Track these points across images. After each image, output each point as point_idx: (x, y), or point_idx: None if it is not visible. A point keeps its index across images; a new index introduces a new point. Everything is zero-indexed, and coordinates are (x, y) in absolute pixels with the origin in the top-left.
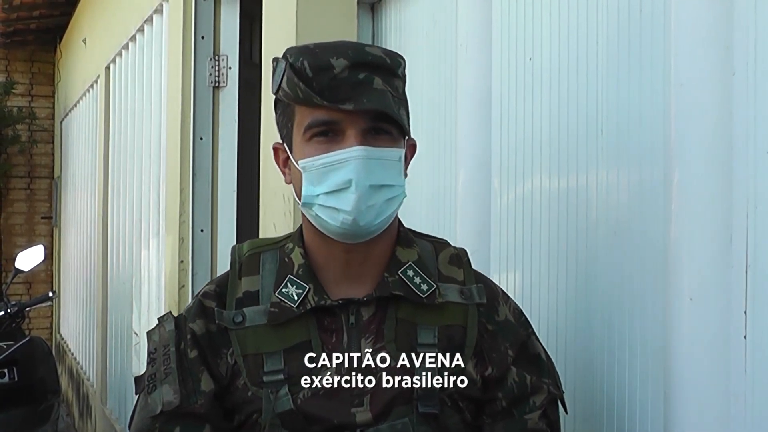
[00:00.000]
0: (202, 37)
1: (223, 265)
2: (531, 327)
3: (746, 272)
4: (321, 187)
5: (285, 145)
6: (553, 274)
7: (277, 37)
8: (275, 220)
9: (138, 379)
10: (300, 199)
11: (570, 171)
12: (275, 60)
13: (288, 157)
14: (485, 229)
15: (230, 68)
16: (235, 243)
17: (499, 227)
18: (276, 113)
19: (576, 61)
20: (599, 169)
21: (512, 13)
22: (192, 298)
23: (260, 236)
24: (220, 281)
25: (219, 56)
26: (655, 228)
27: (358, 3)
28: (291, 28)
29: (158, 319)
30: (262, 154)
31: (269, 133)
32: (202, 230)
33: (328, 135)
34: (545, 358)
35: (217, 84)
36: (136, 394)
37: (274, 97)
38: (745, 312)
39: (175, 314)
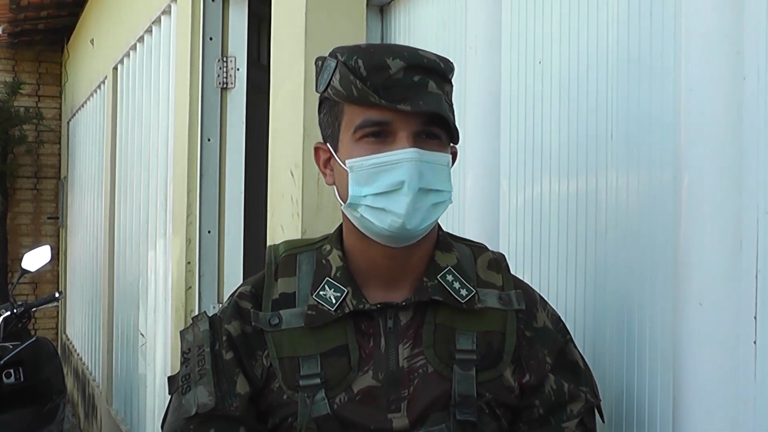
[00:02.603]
0: (210, 38)
1: (231, 267)
2: (569, 333)
3: (756, 277)
4: (370, 188)
5: (329, 144)
6: (562, 278)
7: (286, 39)
8: (283, 222)
9: (171, 379)
10: (344, 200)
11: (579, 175)
12: (320, 59)
13: (330, 158)
14: (494, 233)
15: (238, 69)
16: (242, 245)
17: (508, 231)
18: (320, 113)
19: (586, 64)
20: (609, 173)
21: (522, 16)
22: (198, 300)
23: (268, 239)
24: (255, 282)
25: (227, 57)
26: (664, 232)
27: (367, 5)
28: (300, 30)
29: (192, 318)
30: (270, 155)
31: (277, 134)
32: (209, 231)
33: (379, 136)
34: (583, 366)
35: (225, 85)
36: (169, 393)
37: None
38: (755, 317)
39: (182, 315)
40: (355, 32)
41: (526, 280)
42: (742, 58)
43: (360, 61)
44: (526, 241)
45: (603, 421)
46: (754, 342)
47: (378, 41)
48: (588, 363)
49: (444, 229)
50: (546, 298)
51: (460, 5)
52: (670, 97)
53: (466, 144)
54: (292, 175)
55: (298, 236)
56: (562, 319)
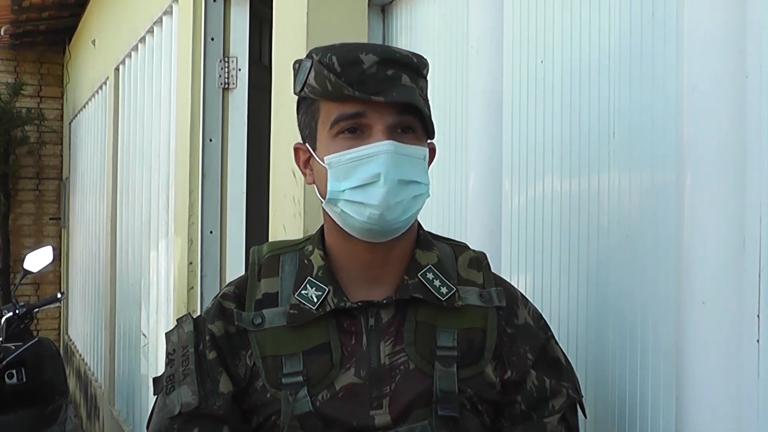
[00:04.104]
0: (212, 39)
1: (232, 267)
2: (550, 330)
3: (759, 276)
4: (347, 182)
5: (307, 144)
6: (564, 277)
7: (288, 39)
8: (285, 222)
9: (156, 380)
10: (324, 197)
11: (582, 174)
12: (297, 62)
13: (310, 157)
14: (496, 232)
15: (240, 70)
16: (244, 245)
17: (510, 230)
18: (298, 113)
19: (588, 63)
20: (611, 172)
21: (524, 16)
22: (200, 300)
23: (269, 239)
24: (239, 283)
25: (229, 58)
26: (667, 231)
27: (368, 4)
28: (301, 30)
29: (177, 320)
30: (271, 155)
31: (279, 134)
32: (211, 232)
33: (354, 131)
34: (564, 362)
35: (226, 85)
36: (154, 394)
37: (296, 98)
38: (758, 316)
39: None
40: (357, 32)
41: (527, 279)
42: (744, 56)
43: (334, 58)
44: (528, 240)
45: (585, 417)
46: (757, 341)
47: (379, 41)
48: (590, 362)
49: (445, 228)
50: (548, 298)
51: (462, 4)
52: (672, 96)
53: (469, 143)
54: (294, 175)
55: (300, 236)
56: (558, 317)
